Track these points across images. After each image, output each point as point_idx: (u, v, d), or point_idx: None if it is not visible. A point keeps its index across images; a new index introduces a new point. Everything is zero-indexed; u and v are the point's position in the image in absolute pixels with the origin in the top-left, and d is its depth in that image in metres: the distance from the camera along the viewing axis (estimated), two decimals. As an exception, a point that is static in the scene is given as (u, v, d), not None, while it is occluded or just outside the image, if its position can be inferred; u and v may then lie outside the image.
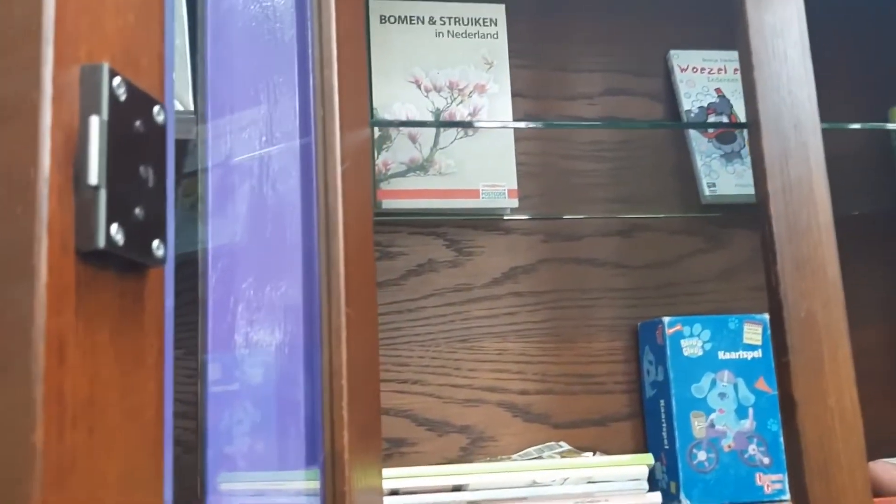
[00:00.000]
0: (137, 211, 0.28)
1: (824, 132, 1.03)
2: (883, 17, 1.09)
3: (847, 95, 1.06)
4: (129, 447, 0.29)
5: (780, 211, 0.67)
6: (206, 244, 0.61)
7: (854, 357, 1.00)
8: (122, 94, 0.28)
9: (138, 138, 0.29)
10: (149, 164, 0.29)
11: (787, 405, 0.65)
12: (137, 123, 0.29)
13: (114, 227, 0.27)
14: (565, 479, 0.69)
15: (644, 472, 0.70)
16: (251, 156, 0.61)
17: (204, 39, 0.62)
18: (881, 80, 1.07)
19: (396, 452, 0.91)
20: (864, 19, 1.09)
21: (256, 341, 0.59)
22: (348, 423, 0.57)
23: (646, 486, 0.70)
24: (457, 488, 0.68)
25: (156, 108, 0.30)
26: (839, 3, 1.09)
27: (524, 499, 0.68)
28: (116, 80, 0.28)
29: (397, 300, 0.94)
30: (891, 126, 1.02)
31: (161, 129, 0.30)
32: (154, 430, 0.30)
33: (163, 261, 0.30)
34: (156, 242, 0.29)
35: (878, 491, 0.82)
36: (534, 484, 0.69)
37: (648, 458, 0.71)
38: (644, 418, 0.95)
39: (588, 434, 0.94)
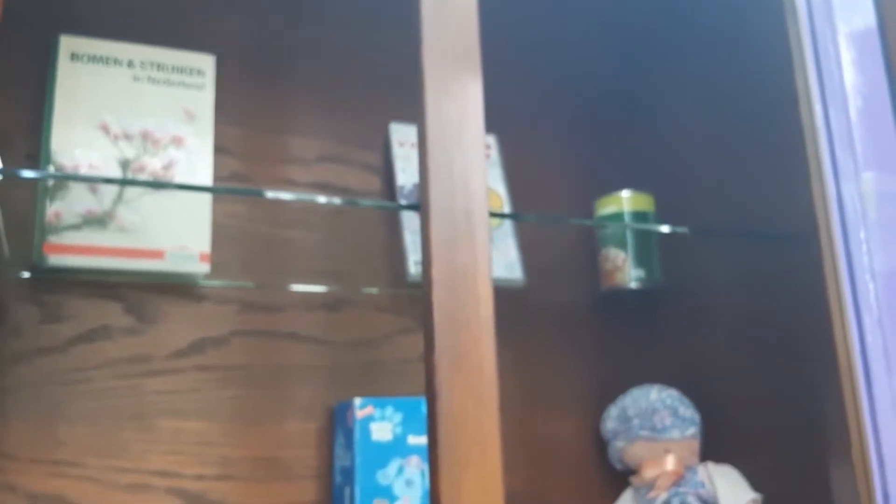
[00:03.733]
0: None
1: (539, 224, 1.06)
2: (593, 113, 1.15)
3: (559, 187, 1.09)
4: None
5: (442, 301, 0.65)
6: None
7: (551, 448, 1.01)
8: None
9: None
10: None
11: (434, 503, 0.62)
12: None
13: None
14: (194, 588, 0.62)
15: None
16: None
17: None
18: (590, 173, 1.12)
19: (38, 547, 0.79)
20: (579, 115, 1.14)
21: None
22: None
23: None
24: None
25: None
26: (558, 99, 1.13)
27: None
28: None
29: (60, 370, 0.83)
30: (588, 222, 1.07)
31: None
32: None
33: None
34: None
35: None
36: None
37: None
38: (332, 506, 0.89)
39: (269, 524, 0.87)
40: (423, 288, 0.66)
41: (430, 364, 0.65)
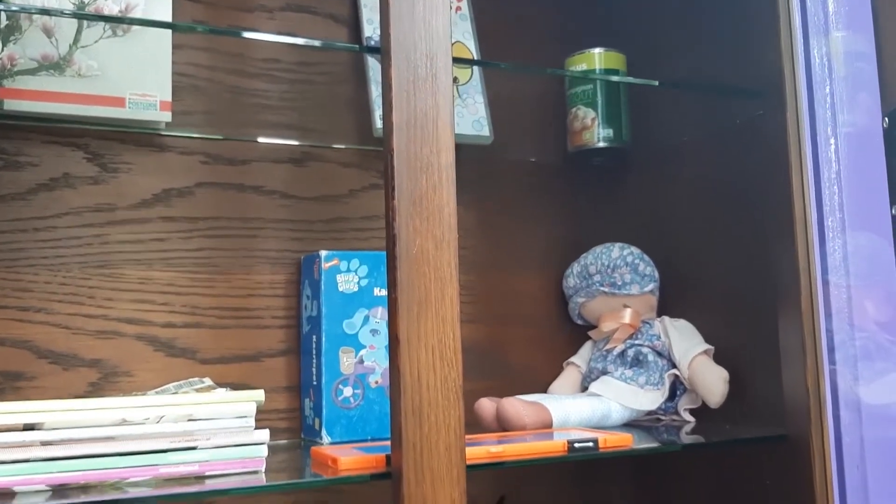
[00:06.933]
0: None
1: (509, 78, 1.05)
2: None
3: (530, 44, 1.07)
4: None
5: (402, 145, 0.65)
6: None
7: (513, 303, 1.04)
8: None
9: None
10: None
11: (392, 343, 0.64)
12: None
13: None
14: (161, 418, 0.64)
15: (251, 409, 0.66)
16: None
17: None
18: (561, 30, 1.09)
19: (11, 387, 0.81)
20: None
21: None
22: None
23: (252, 423, 0.66)
24: (29, 427, 0.60)
25: None
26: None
27: (111, 438, 0.62)
28: None
29: (22, 217, 0.83)
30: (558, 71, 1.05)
31: None
32: None
33: None
34: None
35: (504, 424, 0.85)
36: (123, 422, 0.63)
37: (258, 395, 0.67)
38: (300, 354, 0.92)
39: (238, 370, 0.90)
40: (384, 133, 0.66)
41: (390, 207, 0.65)
